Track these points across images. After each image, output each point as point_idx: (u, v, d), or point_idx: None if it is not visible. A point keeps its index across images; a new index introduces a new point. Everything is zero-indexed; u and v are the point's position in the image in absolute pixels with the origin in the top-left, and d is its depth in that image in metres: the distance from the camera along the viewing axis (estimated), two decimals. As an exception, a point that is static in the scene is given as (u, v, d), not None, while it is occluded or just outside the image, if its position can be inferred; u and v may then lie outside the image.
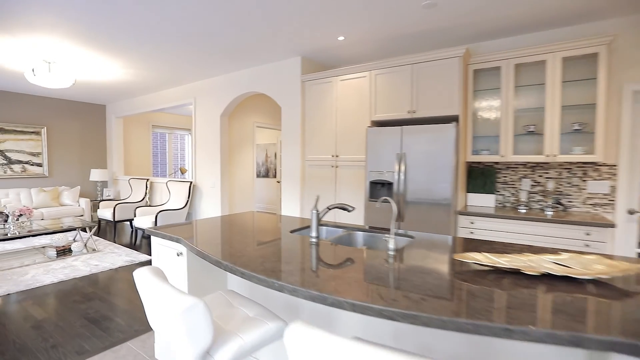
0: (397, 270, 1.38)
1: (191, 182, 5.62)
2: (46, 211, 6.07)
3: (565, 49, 2.94)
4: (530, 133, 3.26)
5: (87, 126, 7.47)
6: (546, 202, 3.35)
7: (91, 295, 3.25)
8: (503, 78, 3.25)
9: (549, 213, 3.09)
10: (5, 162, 6.38)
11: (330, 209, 1.90)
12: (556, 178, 3.30)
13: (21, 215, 4.60)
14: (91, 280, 3.67)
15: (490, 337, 1.21)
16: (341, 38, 3.60)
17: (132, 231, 6.27)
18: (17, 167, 6.52)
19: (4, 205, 5.57)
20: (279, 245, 1.77)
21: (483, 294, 1.13)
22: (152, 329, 2.59)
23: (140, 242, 5.46)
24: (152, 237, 2.15)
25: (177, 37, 3.64)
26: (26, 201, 6.20)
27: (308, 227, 2.30)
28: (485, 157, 3.38)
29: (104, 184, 7.73)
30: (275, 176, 8.46)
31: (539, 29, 3.34)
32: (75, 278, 3.72)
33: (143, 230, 5.32)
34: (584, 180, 3.17)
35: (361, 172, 3.78)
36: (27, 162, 6.65)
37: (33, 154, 6.72)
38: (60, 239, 4.65)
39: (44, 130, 6.81)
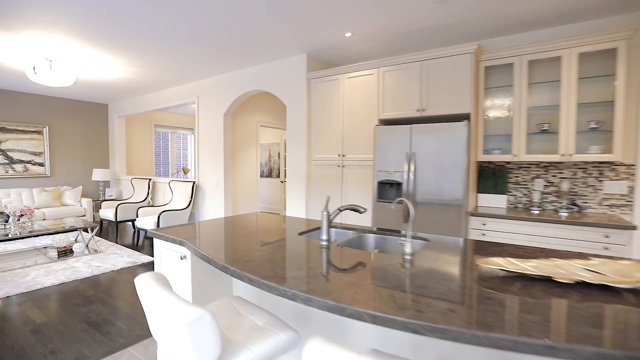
0: (417, 276, 1.28)
1: (194, 182, 5.54)
2: (48, 211, 6.01)
3: (582, 44, 2.83)
4: (544, 132, 3.16)
5: (89, 125, 7.41)
6: (560, 202, 3.24)
7: (92, 298, 3.18)
8: (516, 75, 3.14)
9: (564, 214, 2.98)
10: (6, 161, 6.32)
11: (341, 210, 1.81)
12: (570, 178, 3.20)
13: (22, 215, 4.53)
14: (92, 282, 3.59)
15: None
16: (348, 34, 3.51)
17: (134, 232, 6.20)
18: (18, 167, 6.46)
19: (5, 206, 5.51)
20: (288, 248, 1.68)
21: (514, 304, 1.04)
22: (154, 334, 2.50)
23: (143, 242, 5.39)
24: (154, 239, 2.07)
25: (180, 34, 3.56)
26: (28, 201, 6.14)
27: (316, 229, 2.21)
28: (496, 157, 3.28)
29: (106, 183, 7.67)
30: (278, 176, 8.38)
31: (552, 25, 3.23)
32: (76, 280, 3.64)
33: (145, 230, 5.24)
34: (600, 181, 3.07)
35: (368, 172, 3.68)
36: (28, 162, 6.59)
37: (35, 154, 6.66)
38: (61, 240, 4.58)
39: (45, 130, 6.75)
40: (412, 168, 3.22)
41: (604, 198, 3.05)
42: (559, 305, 1.02)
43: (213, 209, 5.42)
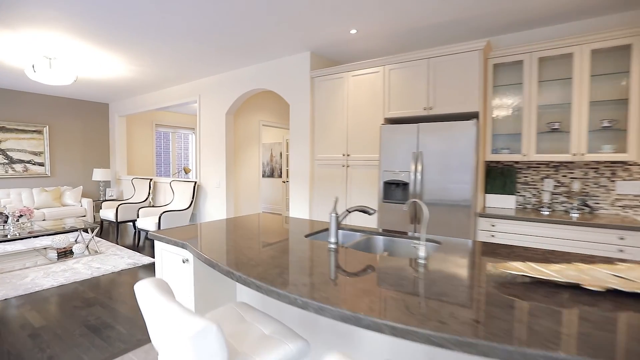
0: (434, 282, 1.21)
1: (195, 182, 5.47)
2: (48, 211, 5.94)
3: (594, 40, 2.75)
4: (554, 130, 3.08)
5: (89, 125, 7.34)
6: (571, 203, 3.16)
7: (92, 300, 3.11)
8: (526, 72, 3.06)
9: (575, 215, 2.90)
10: (6, 161, 6.26)
11: (350, 212, 1.73)
12: (581, 178, 3.12)
13: (21, 216, 4.47)
14: (92, 284, 3.52)
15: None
16: (354, 31, 3.43)
17: (135, 232, 6.13)
18: (18, 167, 6.40)
19: (4, 206, 5.45)
20: (295, 252, 1.61)
21: (543, 313, 0.96)
22: (155, 339, 2.43)
23: (144, 243, 5.32)
24: (155, 241, 2.00)
25: (181, 32, 3.48)
26: (27, 201, 6.08)
27: (323, 231, 2.14)
28: (505, 156, 3.20)
29: (107, 183, 7.61)
30: (280, 176, 8.31)
31: (562, 21, 3.15)
32: (75, 282, 3.57)
33: (146, 231, 5.18)
34: (613, 181, 2.99)
35: (374, 172, 3.60)
36: (28, 162, 6.53)
37: (35, 153, 6.60)
38: (61, 241, 4.51)
39: (45, 129, 6.69)
40: (419, 168, 3.14)
41: (616, 199, 2.97)
42: (592, 316, 0.95)
43: (215, 209, 5.35)
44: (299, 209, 4.23)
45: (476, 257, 1.55)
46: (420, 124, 3.13)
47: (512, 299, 1.08)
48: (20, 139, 6.40)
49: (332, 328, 1.51)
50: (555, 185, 3.24)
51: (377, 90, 3.55)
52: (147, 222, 5.10)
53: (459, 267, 1.40)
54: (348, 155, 3.78)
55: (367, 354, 1.40)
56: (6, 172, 6.25)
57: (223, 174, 5.15)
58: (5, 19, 3.19)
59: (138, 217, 5.48)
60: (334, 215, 1.69)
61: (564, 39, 2.86)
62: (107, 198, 7.14)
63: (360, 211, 1.72)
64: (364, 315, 0.94)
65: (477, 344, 0.81)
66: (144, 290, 1.06)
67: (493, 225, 3.00)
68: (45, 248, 4.88)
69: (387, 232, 2.06)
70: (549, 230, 2.76)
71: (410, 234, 2.02)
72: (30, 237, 4.21)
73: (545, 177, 3.29)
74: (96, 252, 4.68)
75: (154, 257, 4.49)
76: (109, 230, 6.28)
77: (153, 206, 5.95)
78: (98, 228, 4.79)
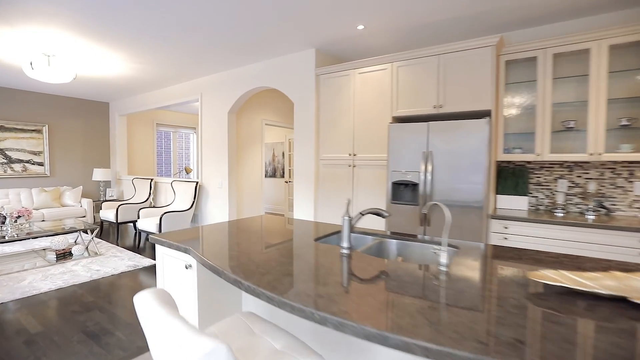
0: (462, 294, 1.10)
1: (197, 182, 5.37)
2: (47, 212, 5.85)
3: (613, 35, 2.64)
4: (569, 129, 2.98)
5: (89, 124, 7.25)
6: (587, 205, 3.05)
7: (91, 305, 3.00)
8: (540, 69, 2.96)
9: (591, 217, 2.79)
10: (5, 161, 6.17)
11: (363, 215, 1.63)
12: (597, 179, 3.01)
13: (19, 216, 4.37)
14: (91, 287, 3.42)
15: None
16: (361, 27, 3.32)
17: (135, 233, 6.03)
18: (17, 167, 6.30)
19: (2, 207, 5.35)
20: (306, 257, 1.50)
21: (591, 331, 0.86)
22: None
23: (144, 245, 5.22)
24: (156, 245, 1.90)
25: (182, 29, 3.38)
26: (26, 202, 5.99)
27: (332, 234, 2.03)
28: (518, 156, 3.10)
29: (107, 184, 7.51)
30: (282, 176, 8.20)
31: (577, 16, 3.04)
32: (74, 285, 3.47)
33: (147, 232, 5.08)
34: (630, 182, 2.88)
35: (381, 172, 3.50)
36: (27, 161, 6.43)
37: (34, 153, 6.50)
38: (60, 242, 4.41)
39: (45, 129, 6.59)
40: (429, 168, 3.03)
41: (634, 200, 2.86)
42: (648, 335, 0.84)
43: (217, 210, 5.24)
44: (304, 211, 4.12)
45: (500, 263, 1.44)
46: (431, 123, 3.02)
47: (551, 312, 0.98)
48: (20, 138, 6.31)
49: (347, 340, 1.40)
50: (570, 186, 3.13)
51: (385, 87, 3.44)
52: (147, 223, 5.00)
53: (483, 275, 1.29)
54: (354, 155, 3.68)
55: (385, 369, 1.30)
56: (5, 172, 6.16)
57: (225, 174, 5.05)
58: (3, 15, 3.09)
59: (139, 217, 5.38)
60: (347, 218, 1.59)
61: (581, 34, 2.75)
62: (107, 198, 7.05)
63: (374, 214, 1.62)
64: (392, 333, 0.84)
65: (527, 371, 0.71)
66: (144, 303, 0.95)
67: (506, 228, 2.89)
68: (44, 249, 4.78)
69: (400, 236, 1.95)
70: (565, 233, 2.65)
71: (427, 238, 1.92)
72: (28, 239, 4.11)
73: (559, 178, 3.18)
74: (96, 253, 4.59)
75: (154, 259, 4.39)
76: (109, 231, 6.19)
77: (154, 207, 5.85)
78: (98, 229, 4.69)
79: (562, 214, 2.96)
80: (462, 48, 3.00)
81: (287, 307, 1.03)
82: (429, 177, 3.04)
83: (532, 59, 3.04)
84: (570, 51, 2.84)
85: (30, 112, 6.42)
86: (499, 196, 3.34)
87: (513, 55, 3.06)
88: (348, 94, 3.71)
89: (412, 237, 1.94)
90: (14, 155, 6.26)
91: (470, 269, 1.36)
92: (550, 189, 3.22)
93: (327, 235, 1.98)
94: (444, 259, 1.36)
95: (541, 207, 3.27)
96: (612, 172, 2.95)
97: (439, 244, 1.80)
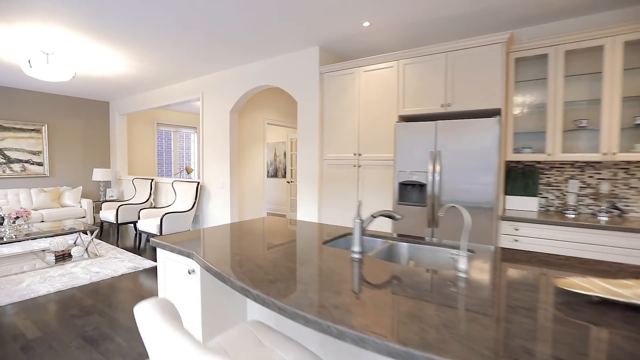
0: (486, 304, 1.03)
1: (198, 183, 5.29)
2: (46, 212, 5.78)
3: (628, 31, 2.56)
4: (582, 128, 2.90)
5: (89, 124, 7.17)
6: (599, 206, 2.97)
7: (90, 308, 2.93)
8: (551, 67, 2.88)
9: (604, 219, 2.72)
10: (4, 161, 6.09)
11: (374, 217, 1.55)
12: (610, 179, 2.93)
13: (18, 217, 4.29)
14: (91, 290, 3.35)
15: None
16: (366, 24, 3.25)
17: (136, 234, 5.96)
18: (16, 167, 6.23)
19: (0, 207, 5.27)
20: (315, 262, 1.43)
21: (637, 348, 0.78)
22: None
23: (145, 246, 5.15)
24: (157, 248, 1.82)
25: (182, 26, 3.30)
26: (25, 202, 5.91)
27: (341, 236, 1.96)
28: (528, 156, 3.02)
29: (107, 184, 7.44)
30: (284, 176, 8.13)
31: (588, 12, 2.97)
32: (73, 287, 3.40)
33: (147, 233, 5.00)
34: (645, 182, 2.80)
35: (387, 172, 3.42)
36: (27, 161, 6.36)
37: (33, 153, 6.43)
38: (59, 243, 4.33)
39: (44, 128, 6.52)
40: (437, 168, 2.96)
41: (649, 201, 2.78)
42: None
43: (218, 210, 5.17)
44: (307, 212, 4.04)
45: (520, 267, 1.36)
46: (439, 122, 2.95)
47: (587, 325, 0.90)
48: (19, 137, 6.23)
49: (358, 349, 1.33)
50: (581, 187, 3.06)
51: (391, 86, 3.36)
52: (148, 224, 4.92)
53: (507, 281, 1.21)
54: (359, 155, 3.60)
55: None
56: (4, 172, 6.08)
57: (227, 174, 4.97)
58: (2, 12, 3.01)
59: (139, 218, 5.31)
60: (358, 221, 1.51)
61: (594, 30, 2.67)
62: (107, 199, 6.97)
63: (386, 216, 1.54)
64: (419, 350, 0.76)
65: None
66: (145, 315, 0.88)
67: (516, 230, 2.81)
68: (43, 251, 4.71)
69: (410, 238, 1.87)
70: (577, 235, 2.58)
71: (436, 240, 1.84)
72: (27, 240, 4.04)
73: (570, 178, 3.10)
74: (95, 255, 4.51)
75: (155, 261, 4.31)
76: (109, 232, 6.11)
77: (154, 207, 5.78)
78: (98, 230, 4.62)
79: (573, 215, 2.88)
80: (471, 45, 2.93)
81: (300, 319, 0.95)
82: (437, 177, 2.96)
83: (543, 57, 2.96)
84: (582, 48, 2.76)
85: (29, 112, 6.35)
86: (508, 197, 3.26)
87: (523, 53, 2.98)
88: (353, 93, 3.63)
89: (423, 239, 1.86)
90: (12, 155, 6.18)
91: (489, 276, 1.28)
92: (561, 189, 3.14)
93: (336, 238, 1.90)
94: (462, 264, 1.28)
95: (551, 209, 3.19)
96: (625, 172, 2.87)
97: (451, 247, 1.72)
